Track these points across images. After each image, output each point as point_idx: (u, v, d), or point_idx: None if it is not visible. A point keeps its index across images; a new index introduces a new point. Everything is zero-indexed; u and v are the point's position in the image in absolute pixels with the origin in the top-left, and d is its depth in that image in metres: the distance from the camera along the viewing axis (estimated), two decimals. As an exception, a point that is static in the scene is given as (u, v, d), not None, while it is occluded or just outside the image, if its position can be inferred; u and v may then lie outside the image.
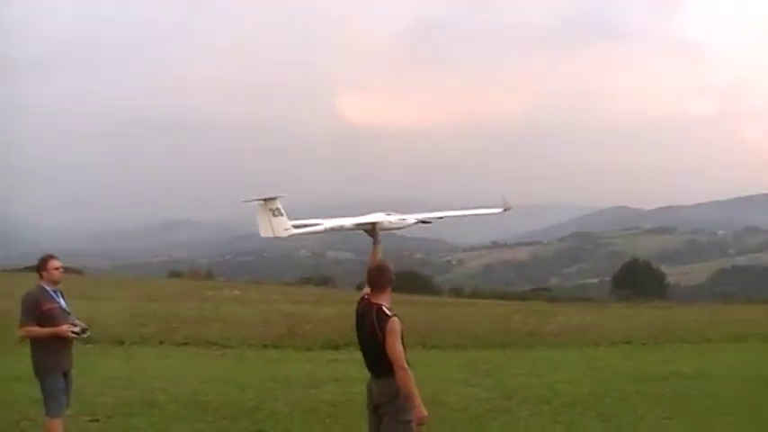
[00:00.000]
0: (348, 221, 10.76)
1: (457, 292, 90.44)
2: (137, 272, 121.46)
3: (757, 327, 26.00)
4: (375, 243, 9.60)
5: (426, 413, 7.14)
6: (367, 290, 7.53)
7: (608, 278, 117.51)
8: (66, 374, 8.94)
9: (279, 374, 16.09)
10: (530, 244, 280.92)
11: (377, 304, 7.28)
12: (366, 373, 7.52)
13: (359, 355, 7.46)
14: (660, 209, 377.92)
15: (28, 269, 76.71)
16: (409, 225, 11.26)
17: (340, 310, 27.48)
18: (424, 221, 11.61)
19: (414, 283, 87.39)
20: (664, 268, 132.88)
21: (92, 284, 41.10)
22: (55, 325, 8.71)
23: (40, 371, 8.80)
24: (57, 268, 9.04)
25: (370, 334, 7.21)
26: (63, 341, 8.82)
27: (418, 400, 7.12)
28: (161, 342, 21.23)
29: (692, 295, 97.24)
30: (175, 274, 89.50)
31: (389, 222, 10.61)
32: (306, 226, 10.89)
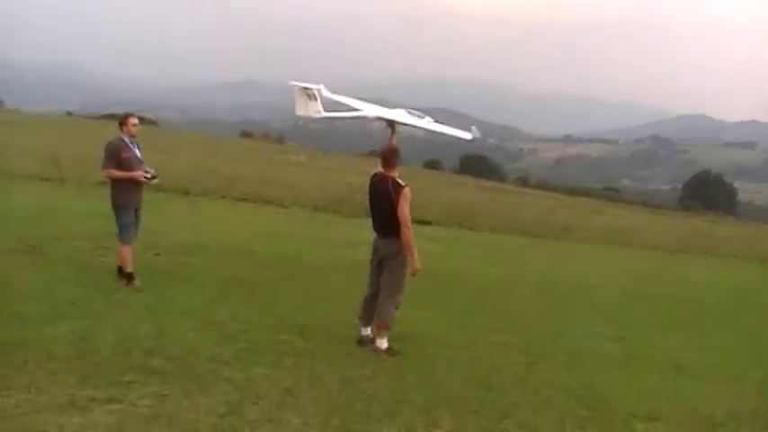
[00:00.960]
0: (373, 112, 12.47)
1: (523, 181, 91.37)
2: (211, 128, 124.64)
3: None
4: (392, 133, 11.18)
5: (419, 266, 8.83)
6: (379, 167, 9.09)
7: (680, 186, 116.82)
8: (136, 211, 10.84)
9: (322, 234, 18.08)
10: (604, 142, 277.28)
11: (390, 176, 8.87)
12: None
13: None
14: (743, 122, 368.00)
15: (107, 117, 79.97)
16: (420, 127, 13.01)
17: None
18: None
19: (482, 167, 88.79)
20: (738, 184, 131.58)
21: (165, 137, 43.14)
22: (131, 170, 10.56)
23: (116, 206, 10.68)
24: (135, 124, 10.82)
25: (385, 199, 8.79)
26: (136, 184, 10.66)
27: (415, 255, 8.77)
28: (222, 196, 23.20)
29: (764, 214, 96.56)
30: (247, 135, 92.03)
31: (406, 121, 12.33)
32: (341, 108, 12.67)
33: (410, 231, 8.73)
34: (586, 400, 7.99)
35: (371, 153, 70.71)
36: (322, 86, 13.58)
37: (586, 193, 76.00)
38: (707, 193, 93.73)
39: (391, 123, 11.89)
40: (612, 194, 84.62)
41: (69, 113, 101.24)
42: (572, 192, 72.36)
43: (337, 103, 13.39)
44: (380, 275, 9.03)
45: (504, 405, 7.48)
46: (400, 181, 8.80)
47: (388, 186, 8.79)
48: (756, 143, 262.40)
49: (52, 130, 45.10)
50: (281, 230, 18.00)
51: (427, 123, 13.68)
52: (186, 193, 22.21)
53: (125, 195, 10.62)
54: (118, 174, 10.51)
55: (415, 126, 13.04)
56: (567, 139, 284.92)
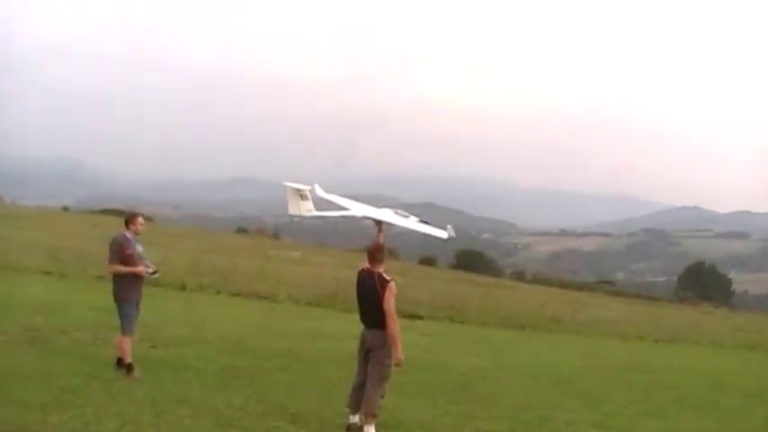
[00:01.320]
0: (361, 211, 13.24)
1: (519, 275, 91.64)
2: (205, 224, 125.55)
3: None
4: (379, 231, 11.87)
5: (403, 357, 9.34)
6: (365, 263, 9.69)
7: (674, 278, 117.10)
8: (137, 303, 11.41)
9: (315, 328, 18.56)
10: (599, 235, 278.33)
11: (377, 272, 9.49)
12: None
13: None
14: (734, 213, 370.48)
15: (102, 212, 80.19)
16: (408, 227, 13.81)
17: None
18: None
19: (478, 262, 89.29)
20: (733, 274, 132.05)
21: (161, 233, 43.77)
22: (134, 266, 11.17)
23: (120, 299, 11.25)
24: (141, 224, 11.56)
25: (372, 293, 9.39)
26: (138, 278, 11.27)
27: (400, 346, 9.31)
28: (218, 292, 23.73)
29: (759, 304, 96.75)
30: (242, 231, 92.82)
31: (390, 221, 13.10)
32: (332, 207, 13.47)
33: (395, 323, 9.28)
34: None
35: (366, 249, 71.05)
36: (316, 186, 14.45)
37: (581, 286, 76.34)
38: (702, 284, 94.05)
39: (378, 222, 12.62)
40: (607, 288, 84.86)
41: (65, 208, 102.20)
42: (567, 285, 72.70)
43: (329, 202, 14.23)
44: (367, 365, 9.54)
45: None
46: (386, 276, 9.40)
47: (374, 281, 9.38)
48: (749, 233, 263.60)
49: (50, 225, 45.81)
50: (275, 324, 18.49)
51: (410, 223, 14.39)
52: (183, 287, 22.74)
53: (128, 289, 11.20)
54: (123, 269, 11.12)
55: (397, 225, 13.77)
56: (562, 232, 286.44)
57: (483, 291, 38.93)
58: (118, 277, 11.22)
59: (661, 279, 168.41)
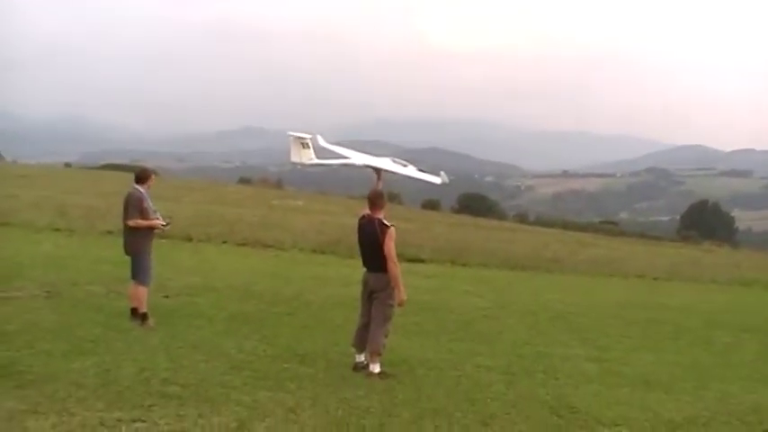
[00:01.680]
0: (361, 160, 13.67)
1: (521, 218, 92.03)
2: (208, 175, 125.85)
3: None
4: (378, 179, 12.29)
5: (406, 297, 9.83)
6: (366, 210, 10.12)
7: (678, 217, 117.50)
8: (149, 255, 11.87)
9: (320, 274, 19.09)
10: (601, 176, 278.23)
11: (377, 218, 9.93)
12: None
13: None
14: (737, 151, 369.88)
15: (105, 167, 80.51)
16: (404, 175, 14.25)
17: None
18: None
19: (481, 205, 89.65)
20: (736, 212, 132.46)
21: (166, 186, 44.03)
22: (148, 219, 11.63)
23: (135, 251, 11.70)
24: (154, 180, 12.08)
25: (373, 238, 9.84)
26: (152, 230, 11.76)
27: (402, 287, 9.79)
28: (224, 242, 24.20)
29: (762, 241, 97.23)
30: (245, 181, 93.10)
31: (389, 169, 13.53)
32: (332, 156, 13.94)
33: (396, 266, 9.74)
34: (558, 410, 8.93)
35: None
36: (319, 136, 14.87)
37: (584, 227, 76.62)
38: (705, 222, 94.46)
39: (377, 170, 13.03)
40: (610, 228, 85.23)
41: (68, 165, 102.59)
42: (570, 227, 72.92)
43: (330, 151, 14.69)
44: (371, 307, 10.01)
45: (484, 416, 8.42)
46: (385, 221, 9.83)
47: (374, 227, 9.83)
48: (752, 171, 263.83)
49: (54, 182, 46.19)
50: (282, 271, 18.99)
51: (407, 171, 14.78)
52: (190, 239, 23.19)
53: (143, 241, 11.68)
54: (144, 223, 11.60)
55: (395, 172, 14.16)
56: (565, 174, 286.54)
57: (485, 233, 39.42)
58: (134, 230, 11.64)
59: (665, 218, 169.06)
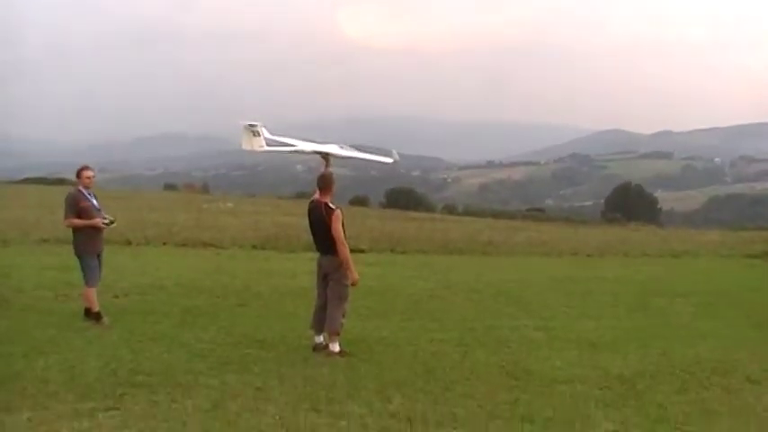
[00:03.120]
0: (309, 147, 13.95)
1: (450, 209, 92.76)
2: (132, 183, 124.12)
3: (695, 246, 29.21)
4: (327, 165, 12.62)
5: (358, 277, 10.18)
6: (316, 194, 10.40)
7: (602, 201, 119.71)
8: (98, 255, 11.88)
9: (264, 268, 19.29)
10: (526, 164, 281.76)
11: (324, 202, 10.22)
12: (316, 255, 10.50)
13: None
14: (657, 134, 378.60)
15: (27, 181, 78.61)
16: (352, 158, 14.59)
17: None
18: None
19: (409, 199, 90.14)
20: (659, 193, 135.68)
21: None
22: (90, 218, 11.63)
23: (80, 252, 11.71)
24: (89, 177, 11.91)
25: (321, 222, 10.15)
26: (96, 230, 11.71)
27: (353, 267, 10.14)
28: (164, 243, 24.15)
29: (685, 221, 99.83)
30: (171, 187, 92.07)
31: (337, 153, 13.87)
32: (280, 145, 14.19)
33: (345, 247, 10.08)
34: (514, 374, 9.40)
35: (298, 195, 71.53)
36: (263, 128, 15.05)
37: (512, 215, 77.66)
38: (629, 204, 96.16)
39: (325, 156, 13.31)
40: (537, 214, 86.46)
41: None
42: (498, 215, 73.87)
43: (277, 141, 14.87)
44: (326, 289, 10.30)
45: (445, 382, 8.83)
46: (331, 205, 10.16)
47: (321, 211, 10.13)
48: (672, 153, 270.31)
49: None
50: (226, 268, 19.10)
51: (355, 153, 15.09)
52: (129, 242, 23.04)
53: (87, 242, 11.66)
54: (79, 222, 11.58)
55: (344, 156, 14.44)
56: (490, 164, 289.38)
57: (417, 224, 39.86)
58: (77, 231, 11.65)
59: (589, 203, 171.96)
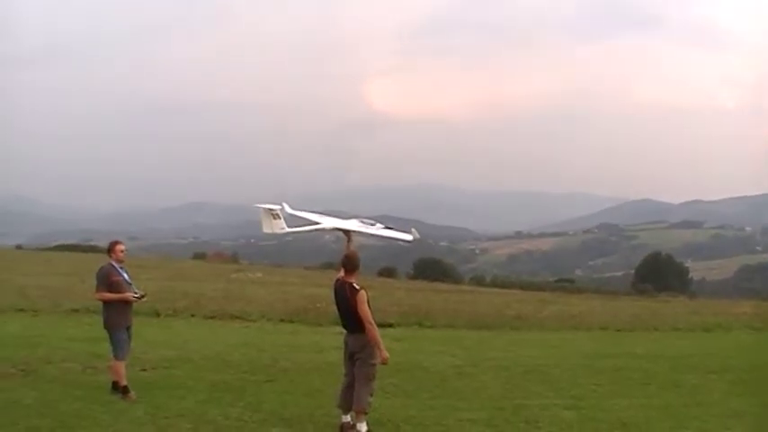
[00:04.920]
0: (330, 224, 14.07)
1: (478, 280, 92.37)
2: (162, 251, 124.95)
3: (727, 319, 28.75)
4: (349, 240, 12.71)
5: (388, 355, 10.11)
6: (341, 272, 10.44)
7: (632, 271, 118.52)
8: (128, 329, 11.96)
9: (291, 342, 19.21)
10: (555, 235, 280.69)
11: (348, 282, 10.27)
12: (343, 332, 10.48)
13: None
14: (687, 203, 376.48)
15: (57, 248, 79.60)
16: (373, 234, 14.67)
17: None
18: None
19: (437, 270, 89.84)
20: (689, 263, 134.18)
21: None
22: (120, 292, 11.74)
23: (110, 326, 11.80)
24: (122, 251, 12.09)
25: (345, 302, 10.20)
26: (126, 303, 11.84)
27: (382, 346, 10.10)
28: (192, 315, 24.17)
29: (716, 290, 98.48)
30: (200, 256, 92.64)
31: (357, 229, 13.95)
32: (302, 221, 14.34)
33: (373, 327, 10.08)
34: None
35: (325, 266, 71.75)
36: (285, 204, 15.26)
37: (541, 287, 77.05)
38: (659, 274, 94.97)
39: (347, 233, 13.42)
40: (567, 285, 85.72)
41: (19, 247, 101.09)
42: (526, 287, 73.32)
43: (298, 217, 15.04)
44: (353, 367, 10.26)
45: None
46: (356, 285, 10.21)
47: (346, 291, 10.19)
48: (703, 222, 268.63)
49: (9, 264, 45.61)
50: (254, 341, 19.04)
51: (376, 230, 15.12)
52: (157, 314, 23.09)
53: (117, 315, 11.77)
54: (109, 296, 11.69)
55: (365, 233, 14.50)
56: (518, 235, 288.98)
57: (445, 296, 39.66)
58: (107, 305, 11.76)
59: (619, 273, 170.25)
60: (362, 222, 15.24)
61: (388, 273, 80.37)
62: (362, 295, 10.10)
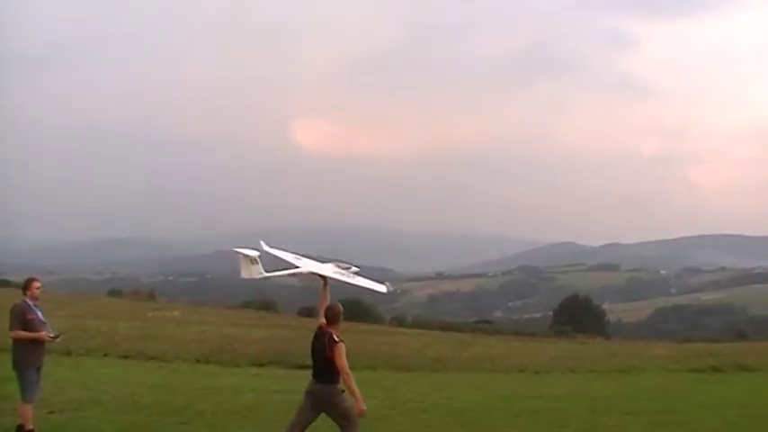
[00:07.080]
0: (306, 268, 13.94)
1: (399, 321, 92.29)
2: (80, 287, 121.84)
3: (642, 361, 29.28)
4: (324, 285, 12.65)
5: (365, 408, 10.20)
6: (322, 320, 10.52)
7: (551, 312, 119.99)
8: (38, 369, 11.54)
9: (207, 384, 18.81)
10: (475, 276, 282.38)
11: (329, 332, 10.34)
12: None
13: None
14: (605, 246, 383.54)
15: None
16: (349, 283, 14.54)
17: (272, 333, 30.10)
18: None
19: (356, 310, 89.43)
20: (606, 305, 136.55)
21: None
22: (35, 331, 11.35)
23: (20, 366, 11.38)
24: (38, 288, 11.77)
25: (322, 351, 10.26)
26: (40, 344, 11.46)
27: (360, 397, 10.16)
28: (105, 354, 23.55)
29: (632, 332, 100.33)
30: (116, 293, 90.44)
31: (334, 276, 13.84)
32: (281, 263, 14.20)
33: (351, 379, 10.18)
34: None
35: (244, 305, 71.14)
36: (261, 242, 15.11)
37: (460, 327, 77.51)
38: (577, 316, 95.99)
39: (323, 278, 13.33)
40: (485, 327, 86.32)
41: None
42: (446, 327, 73.72)
43: (275, 257, 14.87)
44: (307, 416, 10.41)
45: None
46: (336, 337, 10.27)
47: (325, 341, 10.28)
48: (619, 264, 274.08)
49: None
50: (168, 383, 18.60)
51: (351, 278, 14.98)
52: (69, 353, 22.45)
53: (29, 355, 11.38)
54: (25, 335, 11.32)
55: (340, 281, 14.33)
56: (439, 275, 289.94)
57: (365, 337, 39.48)
58: (19, 344, 11.37)
59: (538, 315, 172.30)
60: (338, 266, 14.95)
61: (307, 313, 79.73)
62: (341, 347, 10.17)
